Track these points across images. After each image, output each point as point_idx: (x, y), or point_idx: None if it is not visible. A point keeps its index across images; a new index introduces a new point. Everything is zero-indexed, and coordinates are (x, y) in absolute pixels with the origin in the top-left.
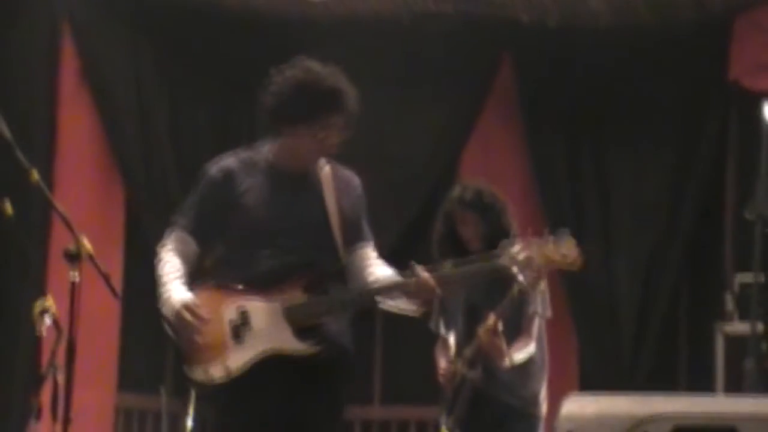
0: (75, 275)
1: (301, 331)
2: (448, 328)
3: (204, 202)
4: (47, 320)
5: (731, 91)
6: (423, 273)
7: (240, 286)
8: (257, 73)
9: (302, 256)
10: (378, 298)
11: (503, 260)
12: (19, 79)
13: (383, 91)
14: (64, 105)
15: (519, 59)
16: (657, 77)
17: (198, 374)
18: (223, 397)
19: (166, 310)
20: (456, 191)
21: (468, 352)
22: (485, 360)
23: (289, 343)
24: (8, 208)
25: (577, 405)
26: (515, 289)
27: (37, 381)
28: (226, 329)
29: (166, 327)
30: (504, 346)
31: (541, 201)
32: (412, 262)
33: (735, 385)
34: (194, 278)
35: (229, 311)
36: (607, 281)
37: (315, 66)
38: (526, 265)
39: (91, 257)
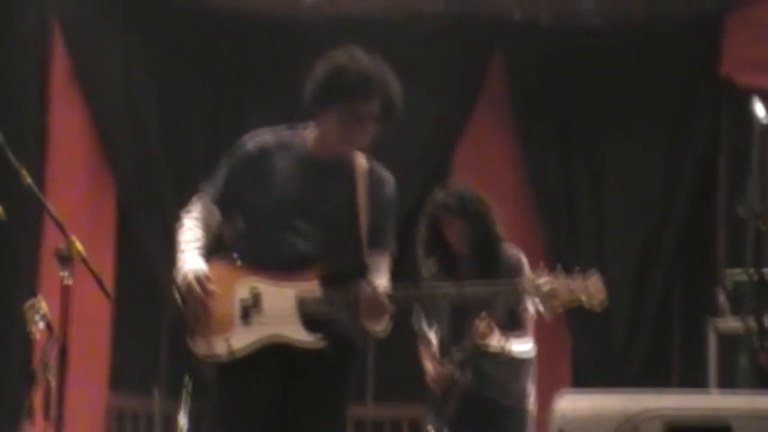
0: (67, 276)
1: (311, 323)
2: (430, 325)
3: (235, 174)
4: (39, 321)
5: (723, 88)
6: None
7: (257, 266)
8: (247, 71)
9: (323, 246)
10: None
11: (525, 286)
12: (9, 78)
13: None
14: (55, 104)
15: (510, 57)
16: (649, 74)
17: (200, 347)
18: (222, 375)
19: (177, 278)
20: (439, 196)
21: (457, 354)
22: (476, 360)
23: (296, 333)
24: None
25: (570, 402)
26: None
27: (30, 382)
28: (236, 307)
29: (175, 295)
30: (498, 337)
31: (534, 197)
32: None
33: (728, 382)
34: (213, 250)
35: (242, 290)
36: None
37: (359, 53)
38: (549, 296)
39: (82, 258)
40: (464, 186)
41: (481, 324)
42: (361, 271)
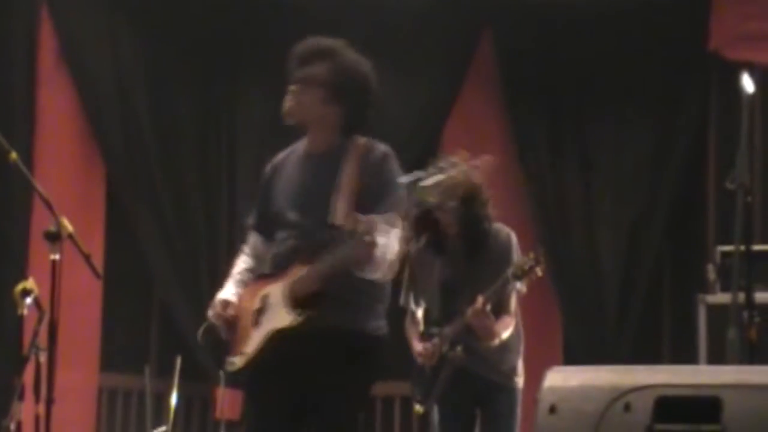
0: (56, 256)
1: (297, 304)
2: (417, 302)
3: (260, 197)
4: (29, 301)
5: (711, 62)
6: None
7: (268, 272)
8: (237, 51)
9: (308, 232)
10: None
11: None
12: None
13: None
14: (43, 85)
15: (499, 33)
16: (637, 50)
17: (228, 365)
18: (245, 381)
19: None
20: None
21: (449, 331)
22: (466, 338)
23: (280, 319)
24: None
25: (561, 377)
26: (508, 273)
27: (20, 362)
28: (251, 317)
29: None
30: (494, 326)
31: (523, 176)
32: None
33: (717, 355)
34: None
35: (257, 299)
36: (590, 254)
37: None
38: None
39: (72, 237)
40: None
41: (475, 305)
42: (334, 238)
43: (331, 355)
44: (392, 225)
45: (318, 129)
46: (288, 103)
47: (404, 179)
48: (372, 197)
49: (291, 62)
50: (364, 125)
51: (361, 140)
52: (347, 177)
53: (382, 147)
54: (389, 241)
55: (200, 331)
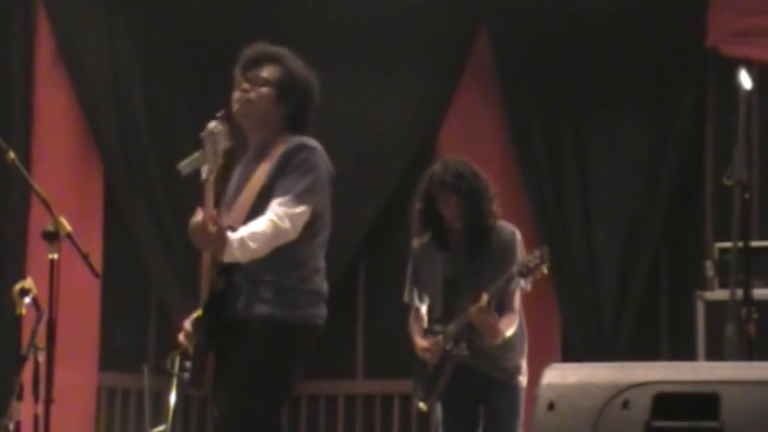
0: (54, 255)
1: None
2: (421, 299)
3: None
4: (27, 301)
5: (709, 59)
6: None
7: None
8: (233, 49)
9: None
10: None
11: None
12: None
13: (359, 64)
14: (40, 85)
15: (496, 30)
16: (635, 45)
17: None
18: None
19: None
20: (436, 170)
21: (452, 328)
22: (470, 335)
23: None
24: None
25: (559, 374)
26: (514, 269)
27: (19, 361)
28: None
29: None
30: (498, 324)
31: (521, 173)
32: None
33: (716, 352)
34: None
35: None
36: (588, 250)
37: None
38: None
39: (70, 236)
40: (461, 162)
41: (479, 303)
42: None
43: (233, 345)
44: (286, 206)
45: (261, 128)
46: (239, 100)
47: (182, 164)
48: (280, 183)
49: (240, 63)
50: (306, 127)
51: (288, 137)
52: (258, 175)
53: (300, 140)
54: (258, 228)
55: (170, 360)
